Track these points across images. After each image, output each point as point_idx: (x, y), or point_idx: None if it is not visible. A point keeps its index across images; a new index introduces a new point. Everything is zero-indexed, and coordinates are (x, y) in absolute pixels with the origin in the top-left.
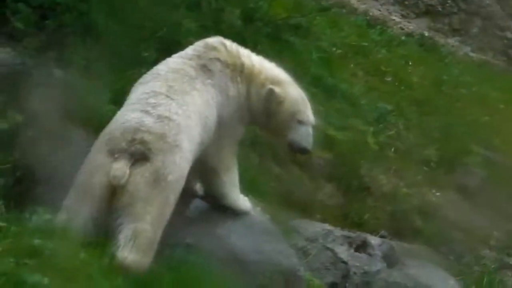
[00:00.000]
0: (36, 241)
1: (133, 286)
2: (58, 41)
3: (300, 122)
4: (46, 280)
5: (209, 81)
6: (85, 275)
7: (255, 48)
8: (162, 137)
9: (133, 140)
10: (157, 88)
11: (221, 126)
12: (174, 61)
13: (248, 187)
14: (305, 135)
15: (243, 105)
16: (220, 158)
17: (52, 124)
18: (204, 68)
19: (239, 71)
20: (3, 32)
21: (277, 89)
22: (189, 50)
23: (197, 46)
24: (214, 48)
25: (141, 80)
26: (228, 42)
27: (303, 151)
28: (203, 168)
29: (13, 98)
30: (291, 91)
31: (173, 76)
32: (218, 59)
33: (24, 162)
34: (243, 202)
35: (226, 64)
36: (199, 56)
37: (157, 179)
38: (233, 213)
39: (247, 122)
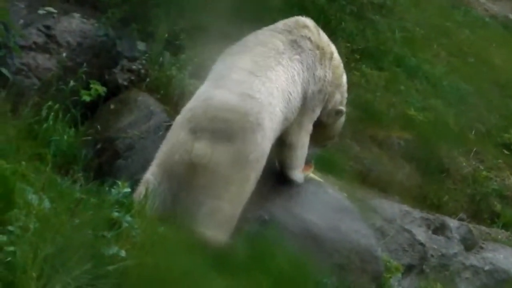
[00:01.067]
0: (115, 214)
1: (211, 261)
2: (142, 14)
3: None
4: (123, 253)
5: (297, 56)
6: (163, 249)
7: (339, 26)
8: (244, 116)
9: (215, 119)
10: (242, 63)
11: (304, 103)
12: (264, 33)
13: (327, 166)
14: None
15: (325, 90)
16: (300, 136)
17: (133, 97)
18: (294, 44)
19: (328, 58)
20: (87, 3)
21: (344, 109)
22: (280, 25)
23: (288, 22)
24: (306, 27)
25: (228, 50)
26: (317, 27)
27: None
28: (282, 142)
29: (96, 70)
30: None
31: (260, 50)
32: (309, 38)
33: (105, 134)
34: (301, 177)
35: (316, 45)
36: (290, 32)
37: (238, 159)
38: (310, 189)
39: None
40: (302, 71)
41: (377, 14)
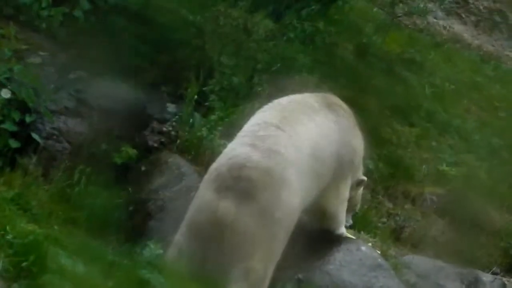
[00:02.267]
0: (147, 276)
1: None
2: (172, 76)
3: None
4: None
5: (332, 117)
6: None
7: (368, 82)
8: (268, 173)
9: (239, 177)
10: (270, 118)
11: (340, 169)
12: (297, 95)
13: (359, 223)
14: None
15: (356, 161)
16: (339, 203)
17: (164, 158)
18: (329, 108)
19: (358, 130)
20: (118, 67)
21: (365, 179)
22: (311, 94)
23: (319, 93)
24: (336, 99)
25: (260, 109)
26: None
27: None
28: (322, 212)
29: (127, 132)
30: None
31: (293, 107)
32: (341, 106)
33: (137, 196)
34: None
35: (349, 114)
36: (322, 97)
37: (264, 217)
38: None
39: None
40: (337, 133)
41: (407, 70)
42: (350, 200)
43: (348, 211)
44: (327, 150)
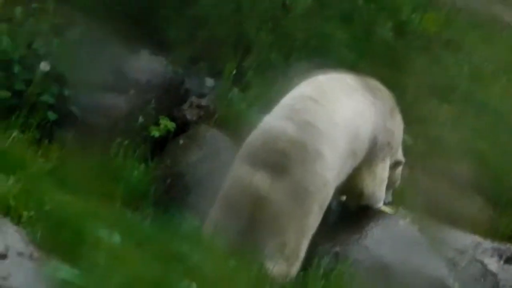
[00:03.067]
0: (185, 248)
1: None
2: (210, 51)
3: None
4: (194, 286)
5: (370, 98)
6: (233, 284)
7: (406, 61)
8: (302, 146)
9: (273, 151)
10: (308, 92)
11: (374, 151)
12: (336, 73)
13: (397, 198)
14: None
15: (393, 145)
16: (375, 185)
17: (202, 133)
18: (368, 89)
19: (396, 113)
20: (156, 42)
21: (402, 160)
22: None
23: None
24: (375, 82)
25: (298, 84)
26: None
27: None
28: (358, 192)
29: (165, 106)
30: None
31: (331, 83)
32: (380, 89)
33: (175, 169)
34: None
35: (388, 97)
36: (361, 79)
37: (298, 191)
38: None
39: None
40: (374, 114)
41: (444, 50)
42: (388, 179)
43: (387, 188)
44: (362, 129)
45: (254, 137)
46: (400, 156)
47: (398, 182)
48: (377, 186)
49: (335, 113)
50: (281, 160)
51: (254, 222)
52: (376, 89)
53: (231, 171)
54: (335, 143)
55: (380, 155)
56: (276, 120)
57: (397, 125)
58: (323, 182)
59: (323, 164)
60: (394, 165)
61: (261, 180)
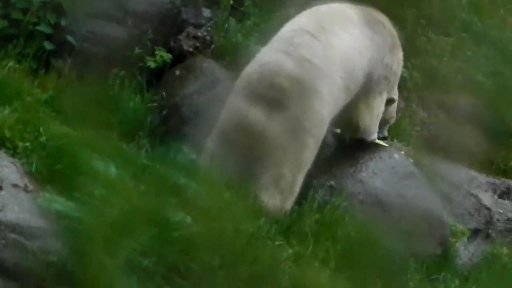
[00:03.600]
0: (180, 180)
1: (276, 227)
2: None
3: None
4: (189, 219)
5: (369, 34)
6: (228, 215)
7: None
8: (299, 82)
9: (270, 85)
10: (306, 25)
11: (370, 85)
12: (338, 4)
13: (393, 131)
14: None
15: (391, 79)
16: (373, 118)
17: (198, 64)
18: (368, 23)
19: (397, 49)
20: None
21: (396, 98)
22: (352, 4)
23: (360, 5)
24: (379, 13)
25: (298, 14)
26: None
27: None
28: (353, 125)
29: (162, 37)
30: None
31: (332, 16)
32: (383, 24)
33: (171, 100)
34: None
35: (389, 33)
36: (364, 11)
37: (294, 126)
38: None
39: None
40: (371, 50)
41: None
42: (383, 116)
43: (382, 124)
44: (358, 64)
45: (251, 69)
46: (394, 93)
47: (393, 119)
48: (373, 120)
49: (332, 49)
50: (278, 96)
51: (250, 154)
52: (377, 23)
53: (227, 103)
54: (331, 79)
55: (377, 89)
56: (273, 54)
57: (396, 61)
58: (319, 118)
59: (320, 100)
60: (388, 102)
61: (257, 114)
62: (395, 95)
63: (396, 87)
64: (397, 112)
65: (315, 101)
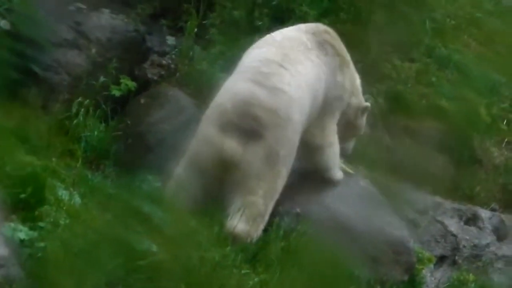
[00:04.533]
0: (146, 208)
1: (242, 255)
2: (171, 9)
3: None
4: (155, 247)
5: (322, 57)
6: (193, 243)
7: (369, 18)
8: (274, 111)
9: (245, 116)
10: (271, 55)
11: (325, 106)
12: (290, 30)
13: (358, 157)
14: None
15: (344, 97)
16: (324, 136)
17: (163, 92)
18: (320, 47)
19: (346, 66)
20: None
21: (369, 105)
22: (302, 26)
23: (310, 25)
24: (327, 32)
25: (254, 45)
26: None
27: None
28: (308, 146)
29: (126, 65)
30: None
31: (289, 44)
32: (332, 45)
33: (136, 129)
34: (340, 174)
35: (337, 52)
36: (314, 33)
37: (270, 155)
38: (342, 182)
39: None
40: (326, 74)
41: (407, 6)
42: (354, 126)
43: (349, 137)
44: (319, 90)
45: (223, 99)
46: (363, 102)
47: (363, 129)
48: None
49: (300, 77)
50: (254, 125)
51: (222, 183)
52: (327, 44)
53: (198, 132)
54: (301, 107)
55: (329, 109)
56: (244, 83)
57: (348, 77)
58: (292, 147)
59: (293, 128)
60: (362, 112)
61: (233, 144)
62: (365, 103)
63: (360, 96)
64: (362, 138)
65: (289, 129)
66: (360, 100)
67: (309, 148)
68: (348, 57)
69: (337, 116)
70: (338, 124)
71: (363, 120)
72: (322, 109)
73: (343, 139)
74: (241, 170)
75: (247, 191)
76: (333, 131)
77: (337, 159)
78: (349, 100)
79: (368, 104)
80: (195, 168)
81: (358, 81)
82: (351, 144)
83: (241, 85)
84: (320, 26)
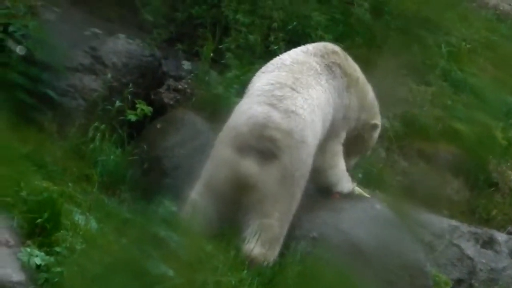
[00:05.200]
0: (162, 233)
1: (259, 279)
2: (187, 33)
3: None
4: (171, 272)
5: (331, 81)
6: (210, 268)
7: (384, 41)
8: (289, 133)
9: (261, 137)
10: (283, 79)
11: (331, 128)
12: (297, 53)
13: (374, 181)
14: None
15: (349, 116)
16: (325, 159)
17: (179, 116)
18: (328, 68)
19: (354, 84)
20: (133, 24)
21: (378, 123)
22: (310, 48)
23: (318, 46)
24: (335, 52)
25: (263, 69)
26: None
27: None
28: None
29: (142, 90)
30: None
31: (299, 68)
32: (339, 65)
33: (152, 153)
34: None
35: (344, 72)
36: (322, 56)
37: (285, 177)
38: (358, 206)
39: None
40: (334, 97)
41: (422, 29)
42: (364, 143)
43: (355, 152)
44: (328, 113)
45: (238, 122)
46: (377, 119)
47: (370, 148)
48: (329, 159)
49: (312, 100)
50: (270, 147)
51: (238, 205)
52: (335, 66)
53: (214, 155)
54: (314, 130)
55: (334, 130)
56: (259, 106)
57: (356, 94)
58: (307, 169)
59: (307, 150)
60: (372, 129)
61: (250, 165)
62: (378, 120)
63: (373, 111)
64: (378, 161)
65: (303, 151)
66: (372, 115)
67: (314, 171)
68: (357, 73)
69: (342, 135)
70: (346, 138)
71: (372, 138)
72: (329, 130)
73: (348, 154)
74: (257, 191)
75: (263, 214)
76: (337, 152)
77: (342, 174)
78: (358, 115)
79: (377, 122)
80: (211, 191)
81: (370, 95)
82: (353, 161)
83: (256, 107)
84: (328, 46)
